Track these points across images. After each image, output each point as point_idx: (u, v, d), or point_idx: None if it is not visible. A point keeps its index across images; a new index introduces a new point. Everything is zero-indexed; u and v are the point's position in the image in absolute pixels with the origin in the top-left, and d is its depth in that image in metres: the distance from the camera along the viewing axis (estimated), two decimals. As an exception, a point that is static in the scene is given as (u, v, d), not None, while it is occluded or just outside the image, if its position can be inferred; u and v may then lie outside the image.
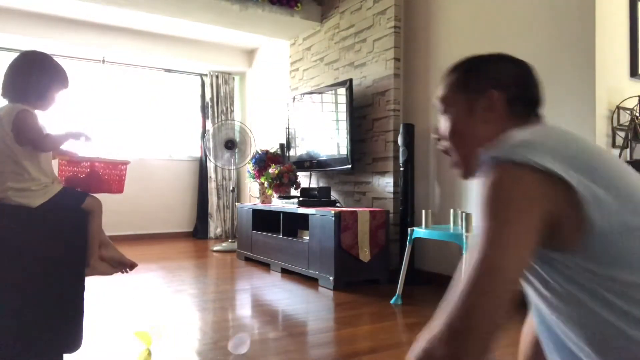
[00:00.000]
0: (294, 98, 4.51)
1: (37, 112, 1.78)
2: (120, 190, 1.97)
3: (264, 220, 4.29)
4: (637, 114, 2.61)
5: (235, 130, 5.37)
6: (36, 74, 1.77)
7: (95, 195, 1.85)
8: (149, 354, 1.91)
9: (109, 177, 1.93)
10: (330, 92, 3.97)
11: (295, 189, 4.26)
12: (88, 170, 1.90)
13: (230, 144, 5.26)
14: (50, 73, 1.80)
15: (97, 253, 1.83)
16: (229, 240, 5.24)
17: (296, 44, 4.91)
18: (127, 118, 5.88)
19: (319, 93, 4.14)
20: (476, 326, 0.68)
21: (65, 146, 1.86)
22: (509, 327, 2.23)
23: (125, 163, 1.98)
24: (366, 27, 3.88)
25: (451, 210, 2.91)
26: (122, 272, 1.95)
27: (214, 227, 6.21)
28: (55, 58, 1.87)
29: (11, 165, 1.68)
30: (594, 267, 0.72)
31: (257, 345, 2.08)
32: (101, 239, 1.87)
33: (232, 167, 5.46)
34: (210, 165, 6.19)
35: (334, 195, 4.17)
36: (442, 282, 3.33)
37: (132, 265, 1.96)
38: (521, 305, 0.84)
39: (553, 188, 0.72)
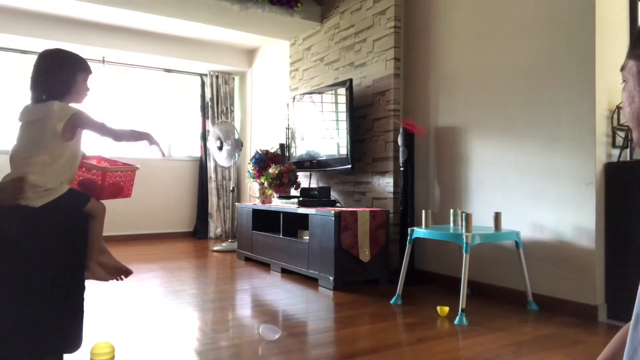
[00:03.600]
0: (294, 98, 4.51)
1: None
2: (129, 194, 2.01)
3: (264, 220, 4.29)
4: (637, 114, 2.60)
5: (225, 131, 5.36)
6: (57, 68, 1.76)
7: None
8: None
9: (124, 183, 1.98)
10: (330, 92, 3.97)
11: (295, 189, 4.26)
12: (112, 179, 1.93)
13: (219, 144, 5.26)
14: (70, 64, 1.80)
15: (96, 257, 1.83)
16: (229, 240, 5.24)
17: (296, 44, 4.91)
18: (127, 118, 5.88)
19: (319, 93, 4.14)
20: None
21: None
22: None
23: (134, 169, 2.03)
24: (366, 27, 3.88)
25: (451, 210, 2.92)
26: (117, 279, 1.95)
27: (214, 227, 6.22)
28: None
29: (40, 159, 1.67)
30: None
31: (257, 345, 2.08)
32: (99, 245, 1.86)
33: (224, 166, 5.46)
34: (210, 165, 6.20)
35: (334, 195, 4.17)
36: (442, 282, 3.33)
37: (127, 272, 1.96)
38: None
39: None
